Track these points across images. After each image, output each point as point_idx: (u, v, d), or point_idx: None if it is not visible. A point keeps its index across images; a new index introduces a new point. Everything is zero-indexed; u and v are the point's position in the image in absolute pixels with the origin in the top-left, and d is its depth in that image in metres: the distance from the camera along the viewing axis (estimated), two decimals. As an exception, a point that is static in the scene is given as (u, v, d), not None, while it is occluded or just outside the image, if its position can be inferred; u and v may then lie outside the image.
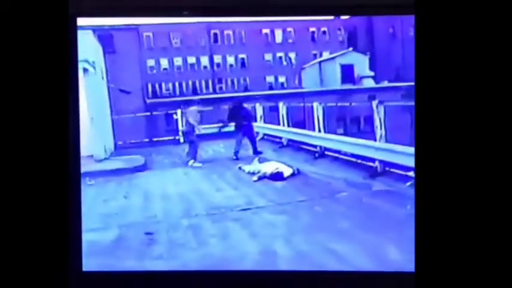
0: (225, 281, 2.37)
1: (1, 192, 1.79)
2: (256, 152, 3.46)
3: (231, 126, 3.48)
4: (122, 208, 2.84)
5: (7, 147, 1.80)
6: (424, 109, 1.61)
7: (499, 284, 1.58)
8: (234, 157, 3.43)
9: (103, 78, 3.42)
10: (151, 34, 3.57)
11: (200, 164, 3.37)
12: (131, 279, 2.35)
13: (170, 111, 3.53)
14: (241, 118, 3.45)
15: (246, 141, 3.50)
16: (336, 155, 3.33)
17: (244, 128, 3.47)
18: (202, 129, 3.47)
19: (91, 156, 3.25)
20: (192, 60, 3.66)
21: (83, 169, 3.11)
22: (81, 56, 3.20)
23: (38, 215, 1.78)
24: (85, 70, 3.28)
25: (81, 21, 2.50)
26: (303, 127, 3.55)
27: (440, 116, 1.61)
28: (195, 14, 2.46)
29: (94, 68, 3.35)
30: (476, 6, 1.61)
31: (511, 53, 1.61)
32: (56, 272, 1.75)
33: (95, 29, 3.24)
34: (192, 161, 3.38)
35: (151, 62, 3.62)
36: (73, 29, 2.28)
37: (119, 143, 3.47)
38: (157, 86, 3.64)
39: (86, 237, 2.53)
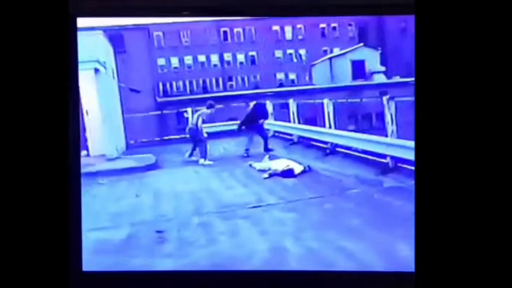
0: (228, 281, 2.37)
1: (1, 193, 1.81)
2: (267, 149, 3.45)
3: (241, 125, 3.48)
4: (133, 207, 2.86)
5: (7, 147, 1.82)
6: (424, 108, 1.59)
7: (499, 283, 1.55)
8: (245, 154, 3.43)
9: (114, 78, 3.45)
10: (161, 33, 3.59)
11: (211, 162, 3.38)
12: (131, 278, 2.36)
13: (181, 110, 3.54)
14: (258, 116, 3.45)
15: (256, 138, 3.49)
16: (347, 151, 3.30)
17: (256, 126, 3.47)
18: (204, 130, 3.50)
19: (103, 155, 3.29)
20: (202, 58, 3.67)
21: (95, 168, 3.16)
22: (92, 56, 3.24)
23: (38, 215, 1.81)
24: (96, 70, 3.32)
25: (89, 22, 2.52)
26: (314, 124, 3.53)
27: (439, 115, 1.59)
28: (195, 14, 2.45)
29: (105, 68, 3.39)
30: (475, 6, 1.58)
31: (510, 51, 1.59)
32: (56, 272, 1.77)
33: (105, 30, 3.27)
34: (202, 159, 3.39)
35: (161, 61, 3.64)
36: (73, 29, 2.30)
37: (131, 142, 3.50)
38: (167, 84, 3.67)
39: (98, 235, 2.56)
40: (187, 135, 3.46)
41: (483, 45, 1.60)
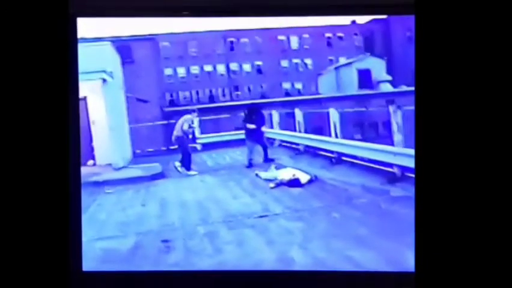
0: (226, 281, 2.35)
1: (3, 194, 1.81)
2: (267, 160, 3.44)
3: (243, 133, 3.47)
4: (140, 216, 2.86)
5: (6, 146, 1.81)
6: (424, 110, 1.59)
7: (499, 283, 1.54)
8: (248, 164, 3.42)
9: (121, 88, 3.48)
10: (168, 44, 3.62)
11: (195, 172, 3.36)
12: (131, 278, 2.35)
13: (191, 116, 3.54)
14: (256, 122, 3.43)
15: (258, 148, 3.49)
16: (353, 160, 3.29)
17: (255, 135, 3.46)
18: (202, 137, 3.49)
19: (110, 164, 3.31)
20: (208, 68, 3.69)
21: (102, 177, 3.17)
22: (100, 66, 3.27)
23: (38, 216, 1.80)
24: (104, 80, 3.34)
25: (97, 32, 2.53)
26: (320, 133, 3.53)
27: (439, 117, 1.59)
28: (195, 14, 2.44)
29: (112, 78, 3.41)
30: (475, 6, 1.59)
31: (511, 53, 1.59)
32: (56, 272, 1.77)
33: (113, 40, 3.30)
34: (184, 169, 3.36)
35: (168, 71, 3.66)
36: (73, 29, 2.29)
37: (137, 151, 3.51)
38: (174, 94, 3.69)
39: (104, 244, 2.56)
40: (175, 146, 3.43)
41: (483, 47, 1.60)
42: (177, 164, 3.33)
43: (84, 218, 2.45)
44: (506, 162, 1.59)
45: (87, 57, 2.75)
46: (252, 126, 3.40)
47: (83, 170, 2.60)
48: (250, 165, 3.41)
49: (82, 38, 2.90)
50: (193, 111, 3.44)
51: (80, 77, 3.07)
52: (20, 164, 1.83)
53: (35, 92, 1.83)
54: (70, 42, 2.08)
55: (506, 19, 1.60)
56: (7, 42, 1.83)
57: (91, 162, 3.25)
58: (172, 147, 3.49)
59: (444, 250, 1.57)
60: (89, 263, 2.40)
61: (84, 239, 2.42)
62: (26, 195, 1.83)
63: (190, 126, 3.41)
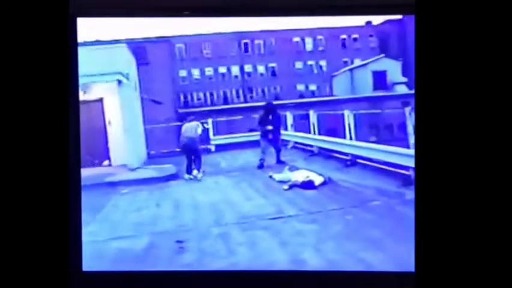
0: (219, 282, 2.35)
1: (5, 196, 1.82)
2: (279, 162, 3.43)
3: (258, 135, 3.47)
4: (154, 216, 2.88)
5: (6, 148, 1.83)
6: (424, 110, 1.58)
7: (499, 283, 1.52)
8: (259, 165, 3.42)
9: (136, 89, 3.51)
10: (182, 45, 3.64)
11: (201, 175, 3.37)
12: (131, 278, 2.35)
13: (201, 121, 3.57)
14: (272, 122, 3.43)
15: (271, 149, 3.48)
16: (368, 163, 3.27)
17: (271, 136, 3.45)
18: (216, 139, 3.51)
19: (125, 165, 3.34)
20: (222, 70, 3.71)
21: (117, 178, 3.20)
22: (115, 68, 3.31)
23: (38, 216, 1.81)
24: (119, 82, 3.38)
25: (113, 34, 2.56)
26: (334, 135, 3.51)
27: (439, 117, 1.58)
28: (195, 14, 2.43)
29: (128, 79, 3.45)
30: (475, 6, 1.57)
31: (511, 53, 1.57)
32: (56, 272, 1.78)
33: (129, 42, 3.34)
34: (196, 171, 3.37)
35: (183, 73, 3.69)
36: (73, 29, 2.29)
37: (152, 152, 3.54)
38: (188, 96, 3.71)
39: (118, 244, 2.58)
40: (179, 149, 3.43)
41: (483, 47, 1.59)
42: (186, 176, 3.36)
43: (99, 218, 2.47)
44: (506, 162, 1.58)
45: (103, 59, 2.79)
46: (269, 127, 3.40)
47: (99, 170, 2.63)
48: (261, 165, 3.41)
49: (98, 41, 2.94)
50: (194, 118, 3.46)
51: (97, 78, 3.12)
52: (20, 164, 1.84)
53: (34, 92, 1.84)
54: (69, 42, 2.08)
55: (506, 19, 1.58)
56: (7, 43, 1.84)
57: (106, 162, 3.29)
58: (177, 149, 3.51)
59: (445, 250, 1.56)
60: (103, 262, 2.42)
61: (98, 238, 2.44)
62: (26, 195, 1.84)
63: (203, 130, 3.43)
